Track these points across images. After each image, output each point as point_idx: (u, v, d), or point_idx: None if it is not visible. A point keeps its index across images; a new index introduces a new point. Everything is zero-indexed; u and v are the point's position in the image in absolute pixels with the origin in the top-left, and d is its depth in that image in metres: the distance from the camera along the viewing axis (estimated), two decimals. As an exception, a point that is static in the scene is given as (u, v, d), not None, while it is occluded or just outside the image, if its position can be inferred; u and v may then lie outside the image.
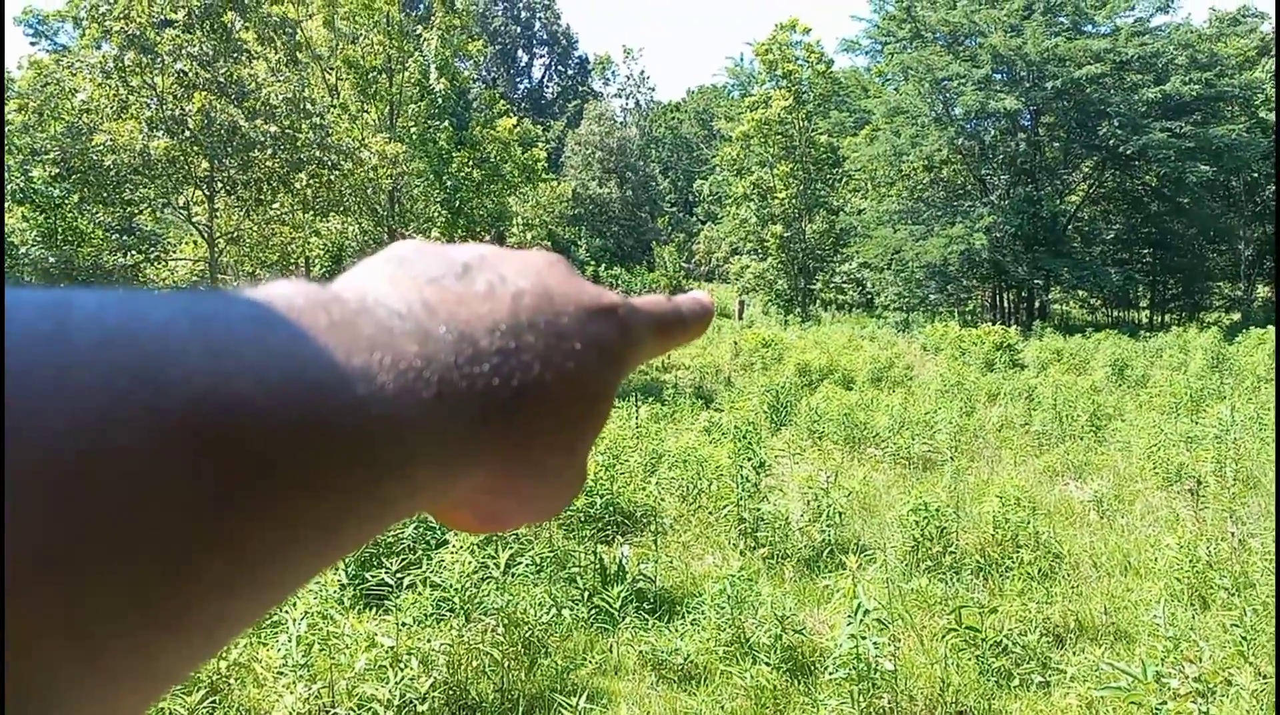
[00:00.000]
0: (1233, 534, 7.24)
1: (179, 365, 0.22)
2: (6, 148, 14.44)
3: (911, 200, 37.40)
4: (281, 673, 5.08)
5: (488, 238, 22.80)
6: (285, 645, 5.09)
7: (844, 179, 43.98)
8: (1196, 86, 32.46)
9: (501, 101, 30.97)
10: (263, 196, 16.24)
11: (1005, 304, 36.85)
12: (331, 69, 22.75)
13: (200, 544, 0.21)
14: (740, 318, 40.43)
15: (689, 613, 6.43)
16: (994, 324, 28.99)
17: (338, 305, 0.29)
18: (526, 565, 6.37)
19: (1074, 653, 5.68)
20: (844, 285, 43.26)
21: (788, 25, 42.05)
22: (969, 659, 5.51)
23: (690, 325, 0.47)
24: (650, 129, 78.73)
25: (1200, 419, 12.58)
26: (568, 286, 0.39)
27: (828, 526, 8.04)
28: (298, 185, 17.42)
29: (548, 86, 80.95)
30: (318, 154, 16.68)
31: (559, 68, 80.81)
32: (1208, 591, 6.49)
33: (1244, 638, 5.42)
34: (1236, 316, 36.46)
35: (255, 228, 17.24)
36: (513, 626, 5.64)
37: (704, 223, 66.52)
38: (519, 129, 28.74)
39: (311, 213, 19.86)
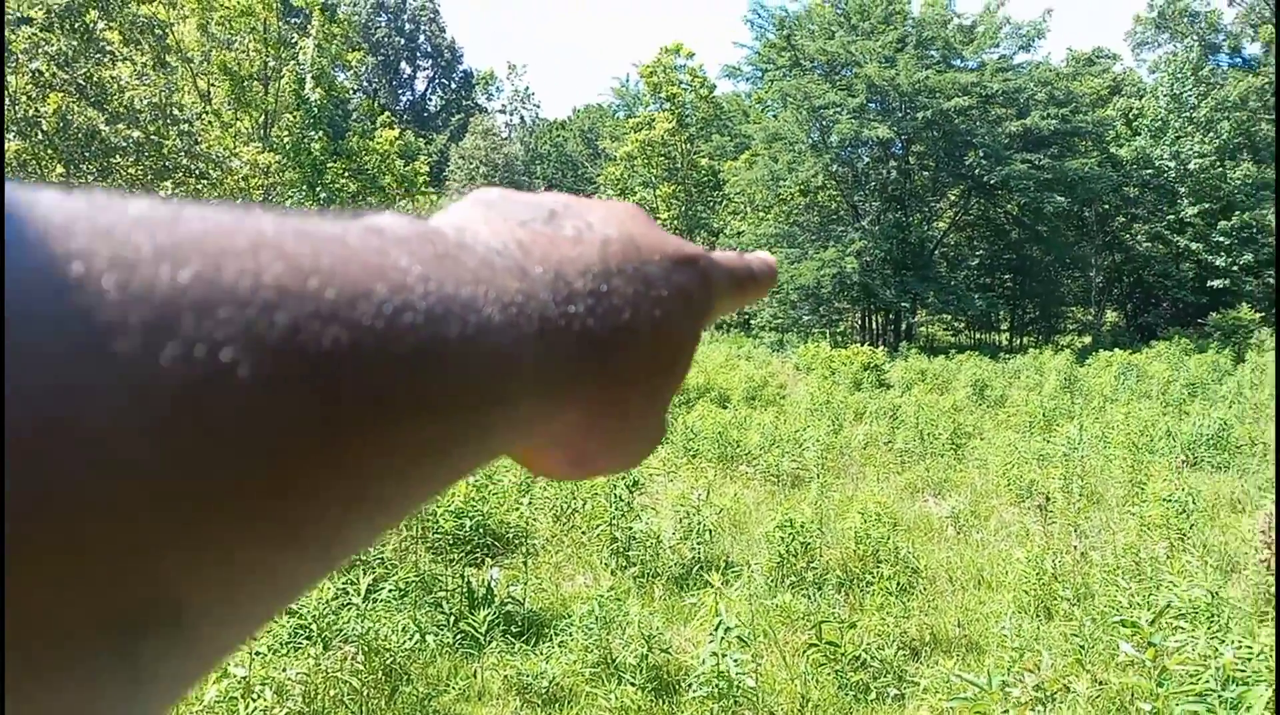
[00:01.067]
0: (1075, 547, 7.64)
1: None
2: None
3: (788, 224, 38.37)
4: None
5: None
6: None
7: (724, 202, 44.79)
8: (1054, 121, 34.39)
9: (385, 113, 30.45)
10: (123, 205, 15.49)
11: (874, 326, 38.12)
12: (204, 74, 21.94)
13: (317, 462, 0.22)
14: (622, 336, 40.65)
15: (557, 635, 6.39)
16: (863, 345, 29.94)
17: (440, 238, 0.29)
18: (390, 591, 6.21)
19: (928, 665, 5.88)
20: (722, 305, 43.91)
21: (672, 49, 42.68)
22: (828, 674, 5.65)
23: (761, 281, 0.49)
24: (535, 146, 78.62)
25: (1051, 437, 13.26)
26: (652, 235, 0.39)
27: (698, 544, 8.14)
28: (163, 194, 16.65)
29: (431, 99, 79.99)
30: (185, 162, 16.03)
31: (443, 81, 79.99)
32: (1052, 603, 6.82)
33: (1082, 646, 5.72)
34: (1088, 339, 38.63)
35: (114, 237, 16.42)
36: (373, 654, 5.50)
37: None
38: (400, 141, 28.28)
39: (175, 222, 19.05)
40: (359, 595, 5.54)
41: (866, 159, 37.34)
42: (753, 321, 40.34)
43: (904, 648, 6.15)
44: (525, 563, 7.76)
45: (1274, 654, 3.63)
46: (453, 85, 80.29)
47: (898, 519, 9.45)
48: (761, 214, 40.30)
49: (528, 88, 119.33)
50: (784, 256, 34.77)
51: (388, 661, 5.64)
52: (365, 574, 5.79)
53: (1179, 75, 40.16)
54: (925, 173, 37.53)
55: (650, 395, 0.38)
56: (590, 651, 5.92)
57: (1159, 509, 8.42)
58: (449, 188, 57.62)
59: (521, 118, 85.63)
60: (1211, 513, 9.38)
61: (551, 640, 6.36)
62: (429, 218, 0.35)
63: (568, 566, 8.17)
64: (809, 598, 6.99)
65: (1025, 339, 40.93)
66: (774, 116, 39.57)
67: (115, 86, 14.78)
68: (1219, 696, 4.33)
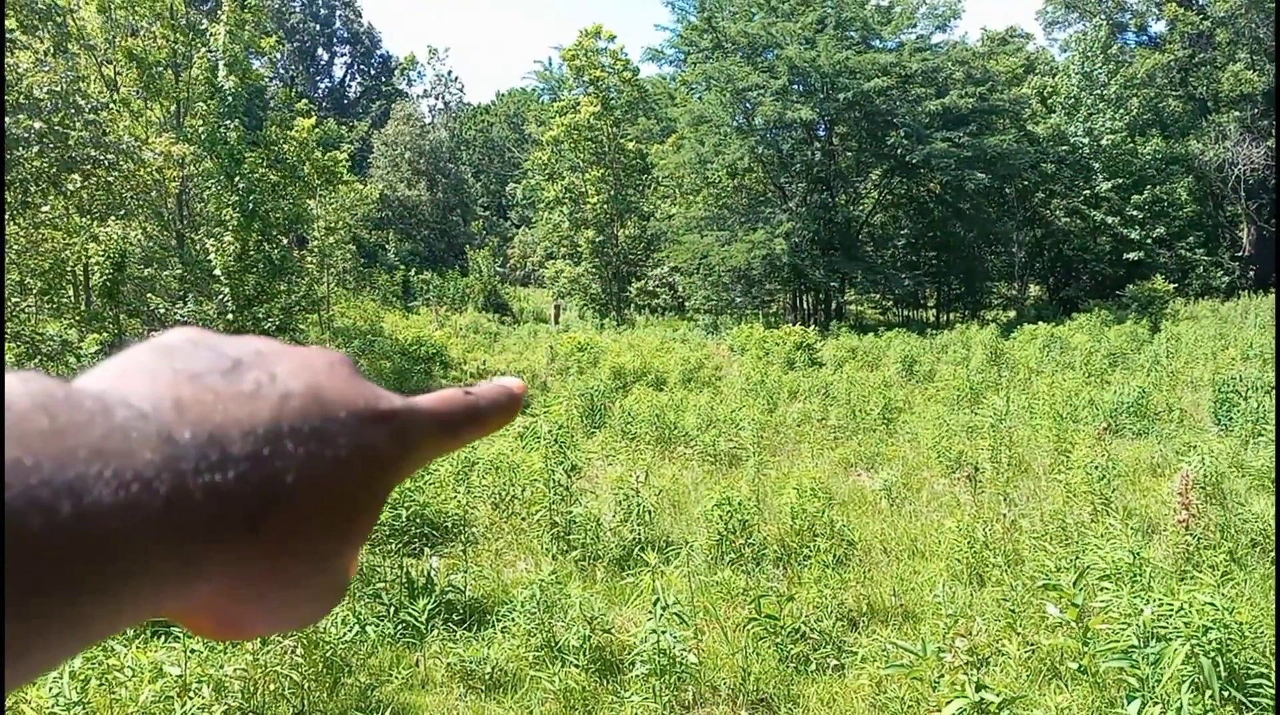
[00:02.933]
0: (1004, 515, 7.85)
1: None
2: None
3: (717, 207, 38.55)
4: (53, 713, 4.68)
5: (285, 241, 21.83)
6: (56, 683, 4.70)
7: (653, 185, 44.80)
8: (972, 100, 35.06)
9: (303, 100, 29.80)
10: (29, 199, 14.91)
11: (805, 306, 38.56)
12: (110, 61, 21.17)
13: None
14: (556, 322, 40.47)
15: (499, 621, 6.37)
16: (795, 325, 30.28)
17: (67, 407, 0.28)
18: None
19: (866, 635, 6.00)
20: (657, 289, 44.06)
21: (592, 32, 42.45)
22: (769, 647, 5.73)
23: (489, 418, 0.43)
24: (460, 131, 77.62)
25: (979, 410, 13.58)
26: (345, 389, 0.36)
27: (638, 525, 8.18)
28: (70, 187, 16.09)
29: (350, 86, 78.38)
30: (92, 153, 15.46)
31: (361, 67, 78.42)
32: (984, 570, 7.00)
33: (1012, 610, 5.89)
34: (1012, 313, 39.59)
35: (22, 233, 15.82)
36: (312, 647, 5.41)
37: (518, 227, 66.18)
38: (319, 129, 27.69)
39: (88, 217, 18.42)
40: (295, 590, 5.44)
41: (791, 141, 37.64)
42: (687, 304, 40.51)
43: (842, 619, 6.26)
44: (465, 551, 7.72)
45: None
46: (371, 71, 78.75)
47: (832, 494, 9.61)
48: (691, 197, 40.42)
49: (450, 72, 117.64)
50: (714, 239, 34.95)
51: (328, 654, 5.56)
52: (301, 568, 5.69)
53: (1089, 53, 41.27)
54: (849, 153, 37.98)
55: (317, 561, 0.35)
56: (533, 636, 5.92)
57: (1083, 476, 8.70)
58: (373, 175, 56.65)
59: (446, 103, 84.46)
60: (1132, 477, 9.73)
61: (494, 626, 6.34)
62: (89, 372, 0.33)
63: (508, 553, 8.15)
64: (748, 573, 7.07)
65: (952, 315, 41.78)
66: (699, 99, 39.64)
67: (14, 74, 14.19)
68: (1141, 652, 4.50)
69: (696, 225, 37.02)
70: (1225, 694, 4.76)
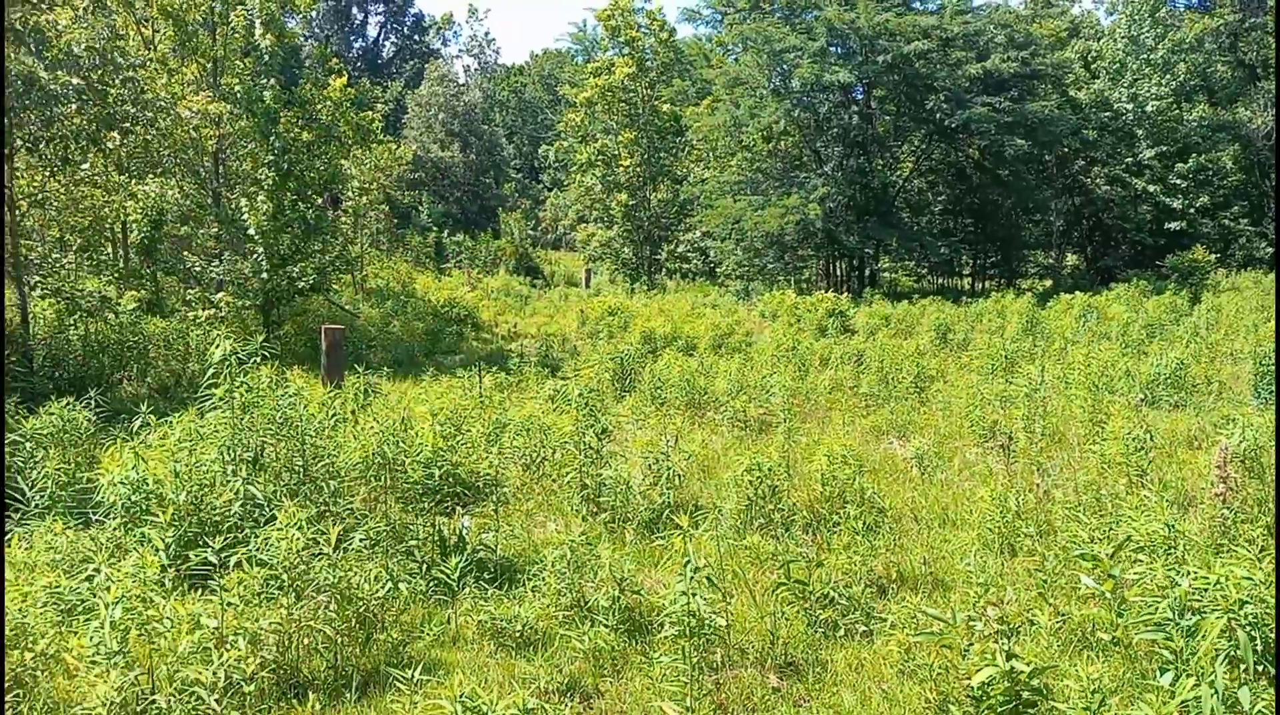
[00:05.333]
0: (1038, 485, 7.78)
1: None
2: None
3: (751, 171, 38.18)
4: (94, 662, 4.79)
5: (320, 201, 21.91)
6: (98, 632, 4.80)
7: (687, 149, 44.43)
8: (1014, 64, 34.34)
9: (337, 59, 29.78)
10: (70, 156, 15.05)
11: (838, 272, 38.24)
12: (147, 20, 21.23)
13: None
14: (587, 286, 40.47)
15: (530, 580, 6.44)
16: (827, 291, 30.07)
17: None
18: (360, 540, 6.20)
19: (895, 602, 5.99)
20: (688, 254, 43.86)
21: (629, -8, 41.98)
22: (797, 612, 5.74)
23: None
24: (494, 92, 77.34)
25: (1013, 379, 13.43)
26: None
27: (668, 489, 8.20)
28: (110, 145, 16.22)
29: (384, 46, 78.09)
30: (131, 110, 15.56)
31: (395, 26, 78.09)
32: (1015, 540, 6.96)
33: (1044, 581, 5.86)
34: (1049, 283, 39.05)
35: (62, 190, 15.97)
36: (346, 602, 5.49)
37: (550, 189, 66.01)
38: (353, 89, 27.67)
39: (127, 174, 18.57)
40: (329, 545, 5.51)
41: (828, 104, 37.11)
42: (718, 270, 40.31)
43: (871, 585, 6.26)
44: (496, 511, 7.78)
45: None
46: (405, 30, 78.41)
47: (863, 461, 9.56)
48: (724, 161, 40.05)
49: (488, 32, 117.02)
50: (747, 203, 34.63)
51: (361, 610, 5.64)
52: (334, 524, 5.76)
53: (1136, 17, 40.22)
54: (887, 117, 37.42)
55: None
56: (563, 595, 5.97)
57: (1118, 447, 8.59)
58: (406, 136, 56.61)
59: (481, 63, 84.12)
60: (1169, 450, 9.60)
61: (524, 585, 6.41)
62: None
63: (539, 514, 8.21)
64: (777, 539, 7.08)
65: (987, 283, 41.28)
66: (735, 61, 39.12)
67: (53, 31, 14.25)
68: (1176, 625, 4.45)
69: (730, 189, 36.71)
70: (1260, 668, 4.71)
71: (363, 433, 8.32)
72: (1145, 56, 39.32)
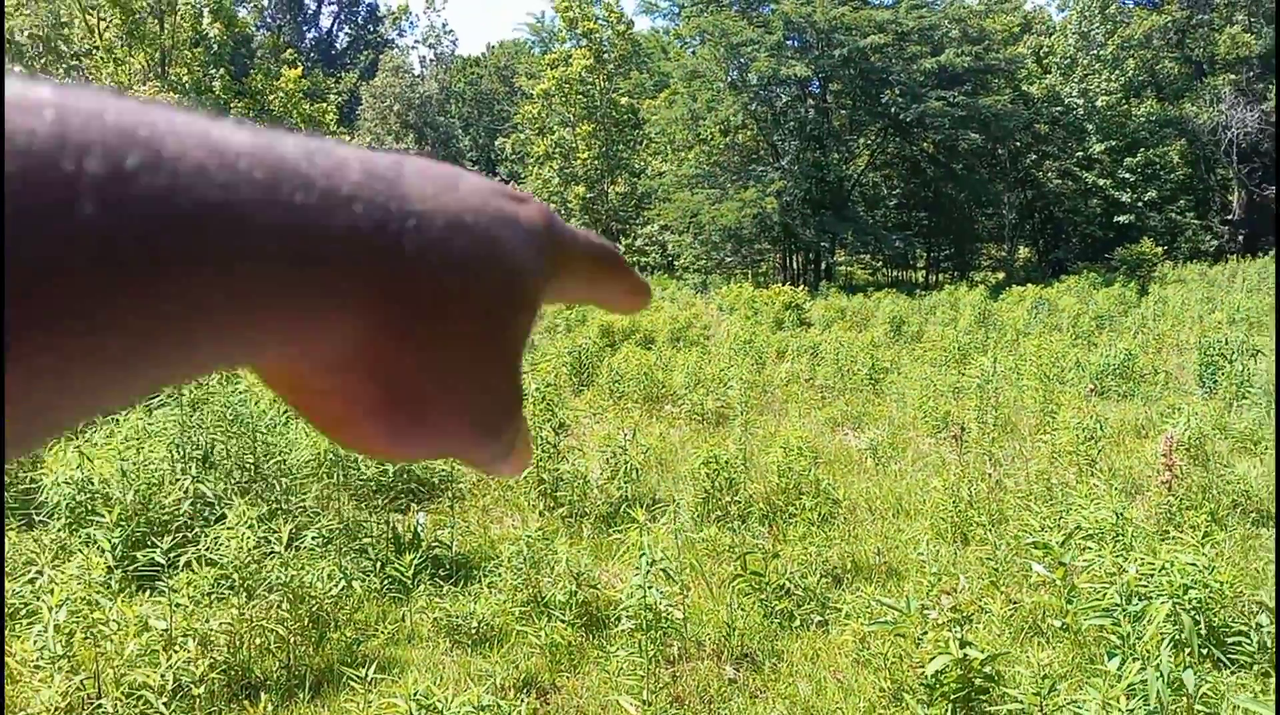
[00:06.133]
0: (990, 475, 7.89)
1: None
2: None
3: (709, 164, 38.29)
4: (38, 666, 4.68)
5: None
6: (41, 636, 4.69)
7: (644, 141, 44.44)
8: (968, 59, 34.77)
9: (290, 50, 29.36)
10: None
11: (795, 265, 38.49)
12: (93, 7, 20.78)
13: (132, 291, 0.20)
14: (544, 279, 40.29)
15: (486, 576, 6.39)
16: (784, 285, 30.25)
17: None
18: (313, 538, 6.12)
19: (850, 592, 6.04)
20: (646, 247, 43.90)
21: (587, -17, 41.85)
22: (754, 603, 5.77)
23: (627, 279, 0.40)
24: (451, 83, 76.70)
25: (966, 371, 13.60)
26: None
27: (625, 483, 8.19)
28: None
29: (338, 36, 77.13)
30: (76, 101, 15.20)
31: (349, 16, 77.12)
32: (968, 529, 7.04)
33: (996, 569, 5.94)
34: (1001, 275, 39.62)
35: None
36: (298, 601, 5.42)
37: (507, 182, 65.46)
38: (307, 80, 27.30)
39: (71, 166, 18.12)
40: (280, 544, 5.43)
41: (785, 98, 37.32)
42: (676, 263, 40.38)
43: (826, 576, 6.30)
44: (451, 507, 7.72)
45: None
46: (359, 20, 77.48)
47: (819, 452, 9.63)
48: (682, 154, 40.12)
49: (445, 23, 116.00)
50: (705, 197, 34.73)
51: (314, 609, 5.57)
52: (285, 522, 5.67)
53: (1087, 13, 40.91)
54: (843, 111, 37.71)
55: (484, 319, 0.30)
56: (519, 591, 5.94)
57: (1068, 436, 8.74)
58: (360, 128, 55.96)
59: (437, 54, 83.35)
60: (1117, 439, 9.78)
61: (480, 582, 6.36)
62: None
63: (495, 509, 8.16)
64: (734, 531, 7.10)
65: (941, 276, 41.80)
66: (692, 54, 39.20)
67: (-4, 20, 13.91)
68: (1123, 611, 4.53)
69: (688, 183, 36.78)
70: (1204, 651, 4.82)
71: (310, 427, 8.20)
72: (1095, 52, 40.00)
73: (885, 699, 4.69)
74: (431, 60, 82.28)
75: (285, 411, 9.23)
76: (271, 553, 5.52)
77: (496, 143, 67.17)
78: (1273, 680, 4.54)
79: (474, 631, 5.63)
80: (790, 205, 34.49)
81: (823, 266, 38.63)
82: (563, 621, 5.55)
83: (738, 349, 17.13)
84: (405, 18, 79.13)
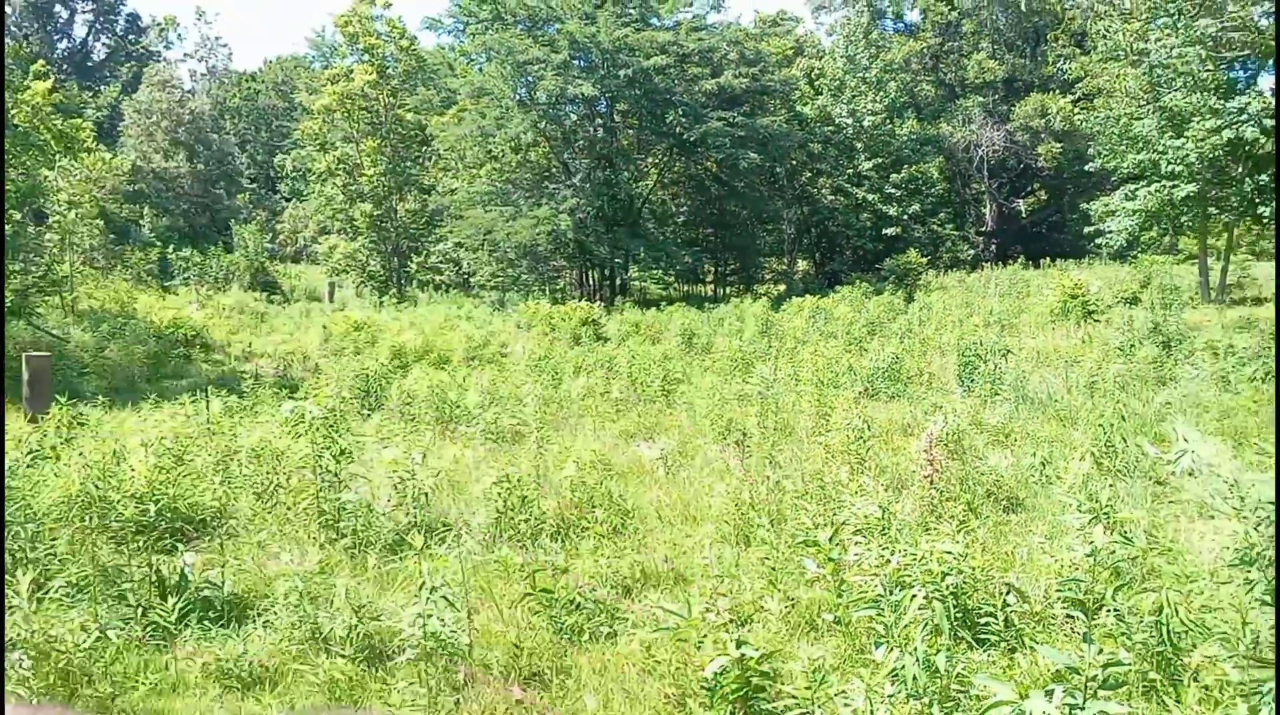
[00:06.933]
0: (769, 477, 8.20)
1: None
2: None
3: (501, 181, 38.13)
4: None
5: (19, 216, 19.74)
6: None
7: (434, 158, 43.72)
8: (745, 80, 36.32)
9: (39, 62, 27.09)
10: None
11: (591, 282, 38.90)
12: None
13: None
14: (331, 301, 38.85)
15: (261, 615, 6.04)
16: (581, 301, 30.51)
17: None
18: (62, 588, 5.59)
19: (639, 601, 6.11)
20: (440, 265, 43.13)
21: (368, -2, 40.76)
22: (544, 620, 5.73)
23: None
24: (226, 99, 72.75)
25: (750, 378, 14.15)
26: None
27: (414, 508, 7.97)
28: None
29: (94, 47, 71.52)
30: None
31: (105, 25, 71.69)
32: (750, 531, 7.29)
33: (773, 568, 6.17)
34: (783, 287, 41.54)
35: None
36: (43, 659, 4.93)
37: (289, 200, 62.90)
38: (59, 93, 25.14)
39: None
40: (19, 596, 4.92)
41: (574, 116, 37.73)
42: (473, 281, 39.90)
43: (617, 586, 6.35)
44: (223, 545, 7.26)
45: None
46: (118, 31, 72.20)
47: (612, 465, 9.75)
48: (474, 171, 39.76)
49: (219, 36, 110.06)
50: (499, 214, 34.55)
51: (62, 664, 5.09)
52: (24, 572, 5.15)
53: (852, 37, 43.68)
54: (630, 131, 38.50)
55: None
56: (297, 628, 5.65)
57: (841, 437, 9.24)
58: (124, 145, 52.10)
59: (210, 68, 78.92)
60: (886, 437, 10.42)
61: (255, 621, 6.00)
62: None
63: (272, 545, 7.73)
64: (526, 549, 7.05)
65: (728, 289, 43.35)
66: (480, 70, 38.97)
67: None
68: (887, 601, 4.81)
69: (480, 200, 36.46)
70: (959, 635, 5.18)
71: (66, 469, 7.52)
72: (861, 75, 42.74)
73: (670, 705, 4.77)
74: (203, 74, 77.90)
75: (31, 452, 8.41)
76: (11, 608, 5.00)
77: (276, 160, 64.25)
78: (1018, 656, 4.93)
79: (246, 674, 5.30)
80: (584, 222, 34.84)
81: (618, 282, 39.24)
82: (343, 656, 5.32)
83: (535, 366, 17.11)
84: (173, 28, 74.54)
